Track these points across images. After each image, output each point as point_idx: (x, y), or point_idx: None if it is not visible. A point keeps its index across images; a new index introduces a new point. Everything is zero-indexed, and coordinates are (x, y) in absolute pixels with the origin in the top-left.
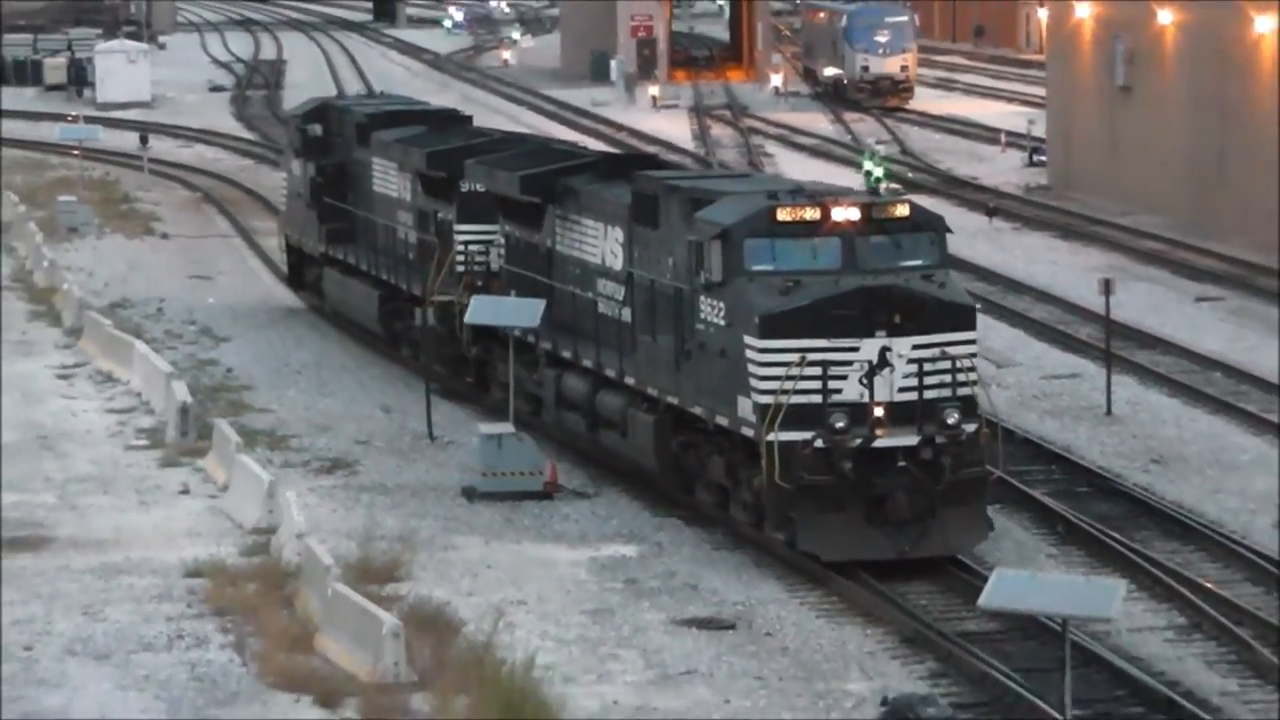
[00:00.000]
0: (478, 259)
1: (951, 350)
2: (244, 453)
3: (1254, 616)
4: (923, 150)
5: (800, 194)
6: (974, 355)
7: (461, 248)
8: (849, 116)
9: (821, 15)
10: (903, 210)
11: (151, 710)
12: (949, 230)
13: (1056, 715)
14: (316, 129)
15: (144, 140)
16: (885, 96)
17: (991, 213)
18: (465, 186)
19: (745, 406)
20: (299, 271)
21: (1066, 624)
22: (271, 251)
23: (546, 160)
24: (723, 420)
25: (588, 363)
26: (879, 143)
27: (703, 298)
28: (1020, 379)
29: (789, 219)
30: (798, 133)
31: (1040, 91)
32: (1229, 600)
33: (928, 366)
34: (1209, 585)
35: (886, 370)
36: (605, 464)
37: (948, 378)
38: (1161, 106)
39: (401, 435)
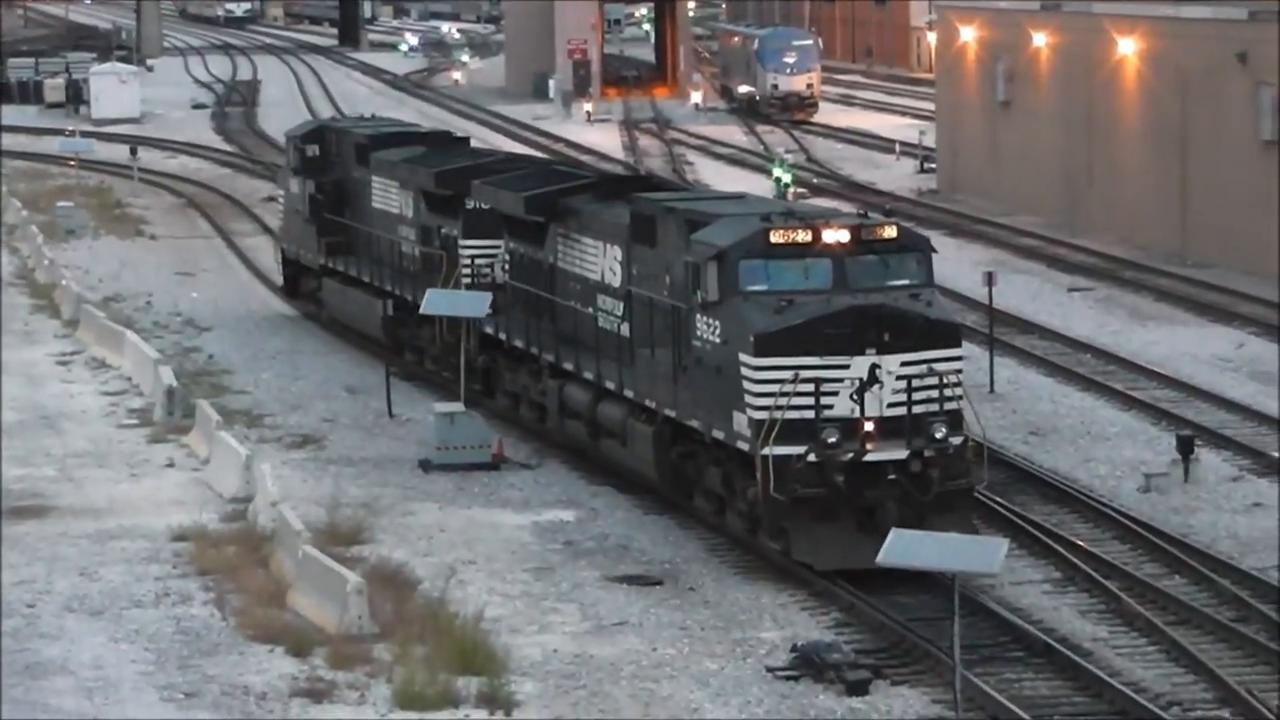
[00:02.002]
0: (482, 272)
1: (938, 367)
2: (223, 430)
3: (1121, 570)
4: (826, 159)
5: (793, 217)
6: (960, 371)
7: (468, 261)
8: (761, 129)
9: (737, 39)
10: (890, 232)
11: (141, 660)
12: (934, 250)
13: (946, 658)
14: (314, 149)
15: (134, 152)
16: (793, 111)
17: (888, 214)
18: (470, 204)
19: (740, 421)
20: (294, 282)
21: (955, 578)
22: (249, 250)
23: (549, 181)
24: (719, 434)
25: (589, 375)
26: (788, 152)
27: (699, 316)
28: None
29: (782, 241)
30: (716, 143)
31: (930, 106)
32: (1099, 556)
33: (916, 382)
34: (1081, 543)
35: (876, 386)
36: (547, 439)
37: (935, 393)
38: (1037, 119)
39: (365, 413)
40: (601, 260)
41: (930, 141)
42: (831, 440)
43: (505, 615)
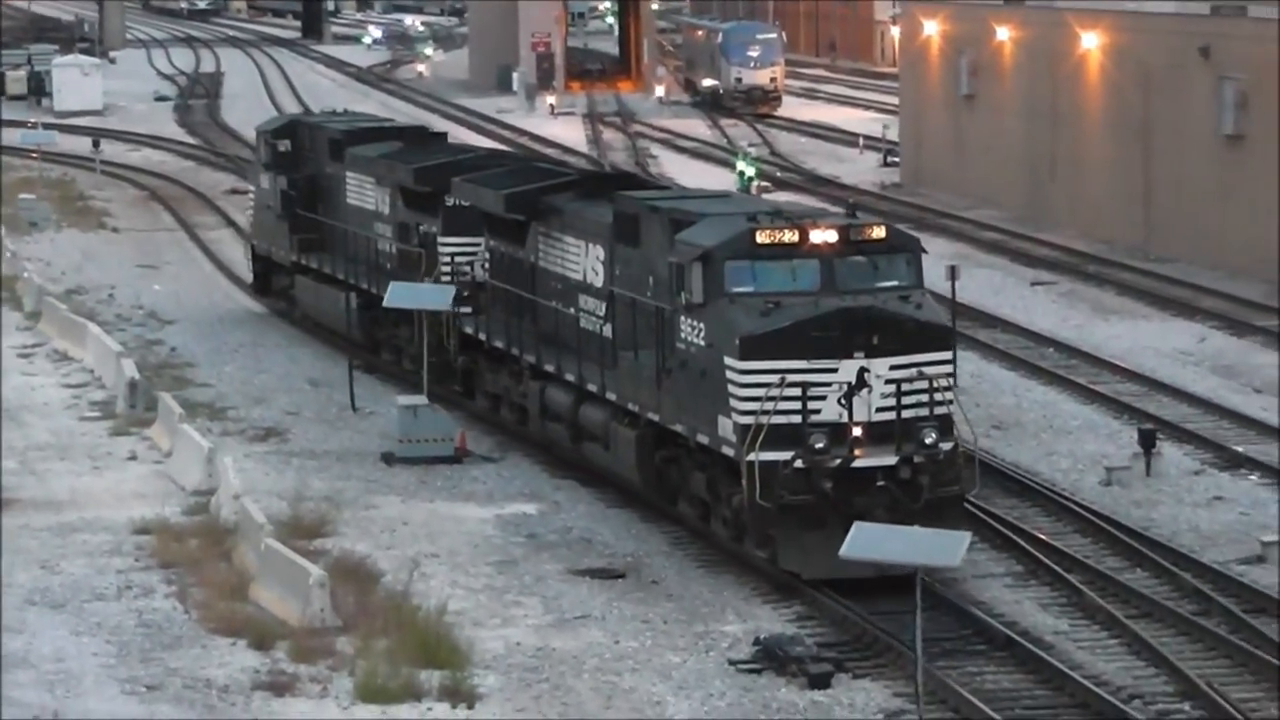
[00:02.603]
0: (462, 270)
1: (928, 370)
2: (186, 423)
3: (1083, 564)
4: (790, 152)
5: (779, 216)
6: (951, 375)
7: (447, 259)
8: (725, 122)
9: (701, 33)
10: (879, 232)
11: (103, 653)
12: (924, 251)
13: (908, 651)
14: (286, 144)
15: (96, 144)
16: (757, 104)
17: (852, 207)
18: (450, 201)
19: (726, 426)
20: (265, 279)
21: (918, 571)
22: (212, 244)
23: (530, 178)
24: (703, 439)
25: (570, 376)
26: (751, 145)
27: (683, 318)
28: None
29: (768, 241)
30: (679, 137)
31: (893, 100)
32: (1061, 550)
33: (905, 387)
34: (1043, 537)
35: (865, 391)
36: (509, 431)
37: (925, 397)
38: (1000, 113)
39: (328, 407)
40: (583, 260)
41: (894, 135)
42: (819, 446)
43: (468, 608)
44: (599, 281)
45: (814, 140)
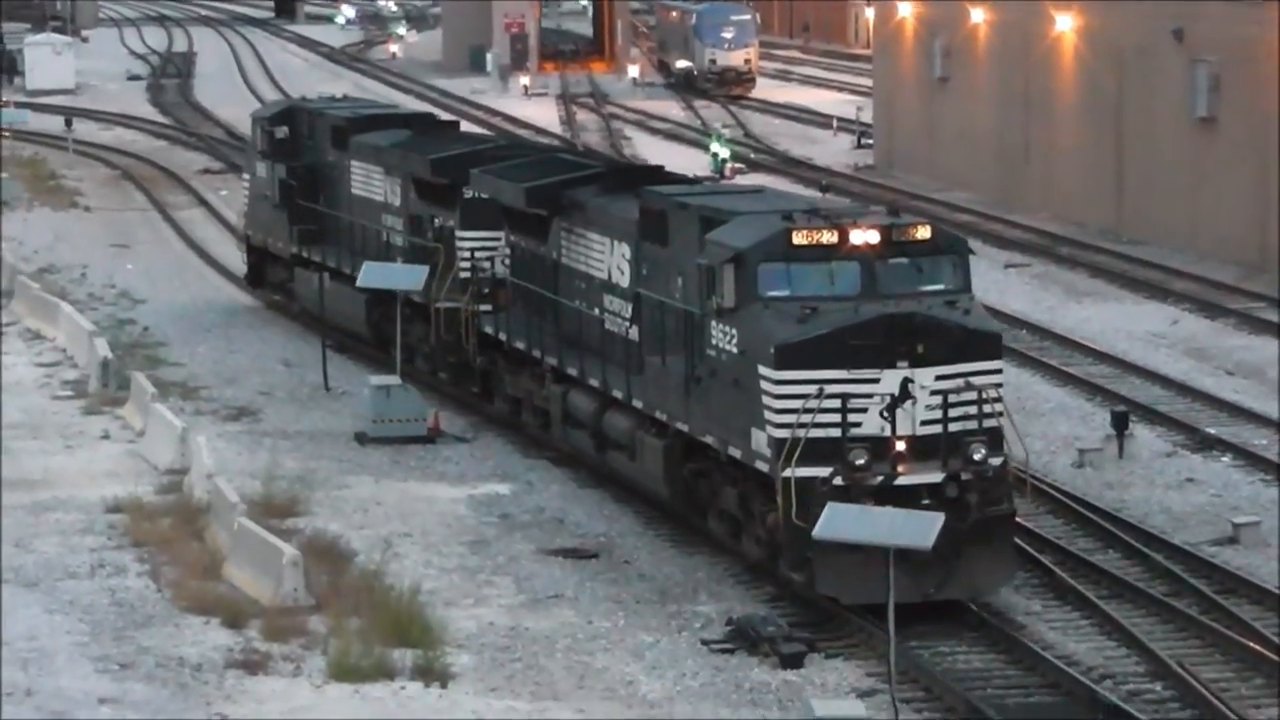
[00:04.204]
0: (482, 266)
1: (976, 381)
2: (159, 402)
3: (1055, 545)
4: (763, 134)
5: (816, 215)
6: (1000, 385)
7: (466, 254)
8: (698, 104)
9: (674, 14)
10: (924, 232)
11: (76, 631)
12: (971, 252)
13: (880, 631)
14: (284, 131)
15: (69, 123)
16: (730, 86)
17: (825, 189)
18: (468, 193)
19: (759, 439)
20: (259, 271)
21: (891, 551)
22: (184, 223)
23: (553, 171)
24: (735, 452)
25: (594, 381)
26: (725, 127)
27: (714, 322)
28: None
29: (805, 242)
30: (653, 118)
31: (867, 82)
32: (1033, 531)
33: (952, 398)
34: (1016, 518)
35: (909, 402)
36: (483, 412)
37: (973, 409)
38: (974, 96)
39: (301, 386)
40: (608, 258)
41: (867, 117)
42: (860, 462)
43: (441, 588)
44: (624, 281)
45: (787, 122)
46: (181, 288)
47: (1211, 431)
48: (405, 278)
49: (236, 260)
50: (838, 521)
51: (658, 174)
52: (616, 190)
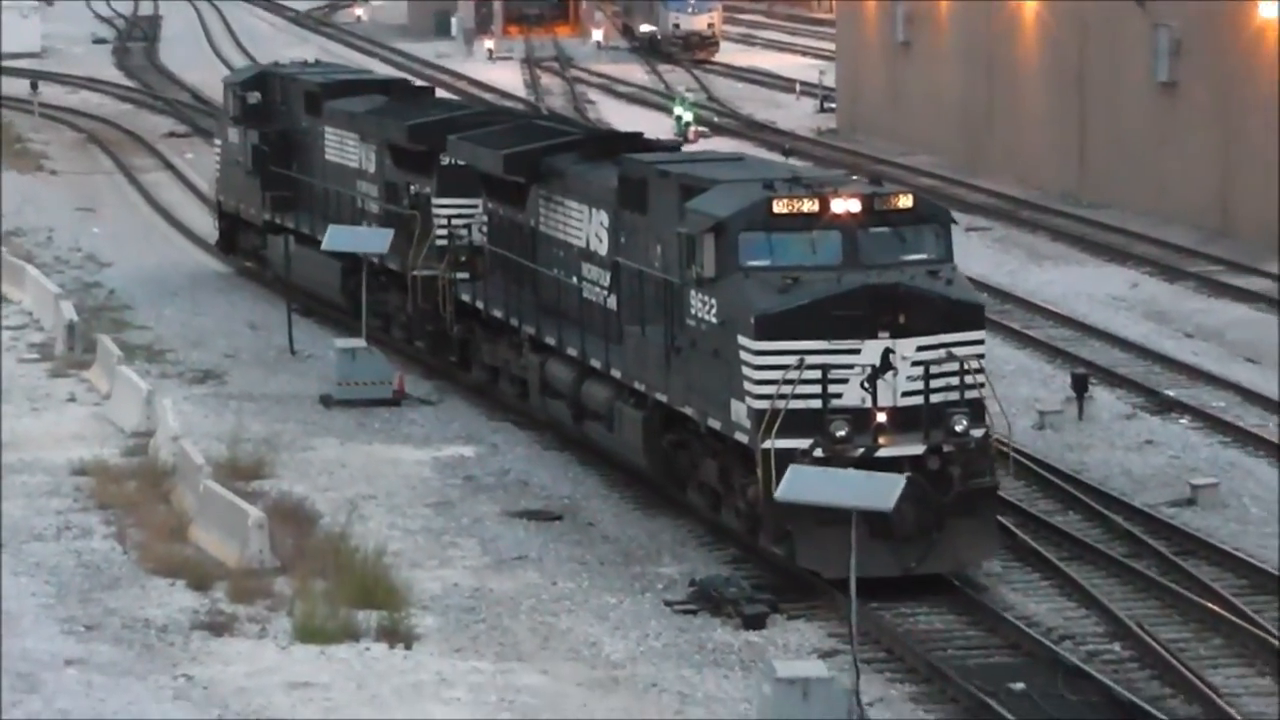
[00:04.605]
0: (459, 234)
1: (959, 351)
2: (124, 365)
3: (1016, 507)
4: (727, 98)
5: (798, 184)
6: (982, 356)
7: (444, 222)
8: (662, 68)
9: None
10: (906, 201)
11: (41, 593)
12: (954, 222)
13: (841, 593)
14: (256, 96)
15: (34, 87)
16: (694, 50)
17: (787, 153)
18: (445, 160)
19: (739, 411)
20: (231, 237)
21: (854, 514)
22: (150, 186)
23: (531, 137)
24: (715, 424)
25: (573, 351)
26: (688, 90)
27: (694, 292)
28: None
29: (786, 211)
30: (617, 82)
31: (830, 46)
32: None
33: (934, 369)
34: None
35: (890, 373)
36: (447, 375)
37: (955, 381)
38: (937, 61)
39: (266, 349)
40: (587, 226)
41: (830, 82)
42: (840, 433)
43: (405, 550)
44: (603, 250)
45: (751, 86)
46: (148, 251)
47: (1171, 394)
48: (371, 241)
49: (203, 224)
50: (800, 483)
51: (637, 141)
52: (595, 157)
